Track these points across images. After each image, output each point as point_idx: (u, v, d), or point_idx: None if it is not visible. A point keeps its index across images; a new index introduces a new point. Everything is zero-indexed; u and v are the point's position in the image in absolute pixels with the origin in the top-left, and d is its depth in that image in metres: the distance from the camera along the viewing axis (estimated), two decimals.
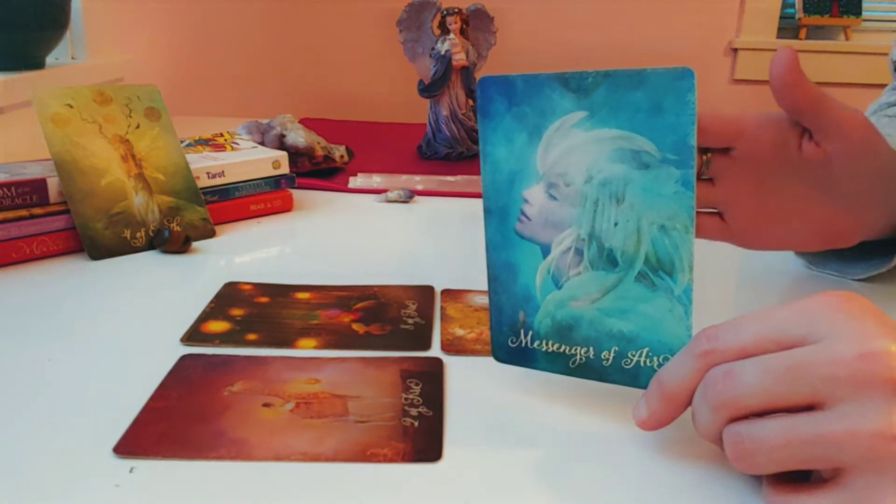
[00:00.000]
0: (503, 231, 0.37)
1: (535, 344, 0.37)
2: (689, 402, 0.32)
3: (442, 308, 0.51)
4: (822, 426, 0.28)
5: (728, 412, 0.31)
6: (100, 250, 0.59)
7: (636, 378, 0.35)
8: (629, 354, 0.35)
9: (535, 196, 0.35)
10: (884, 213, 0.51)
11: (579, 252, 0.35)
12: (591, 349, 0.36)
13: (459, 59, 0.99)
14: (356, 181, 0.86)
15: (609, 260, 0.34)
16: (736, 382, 0.30)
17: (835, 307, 0.30)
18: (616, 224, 0.34)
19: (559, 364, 0.37)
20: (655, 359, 0.34)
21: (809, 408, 0.29)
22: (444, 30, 1.01)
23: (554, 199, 0.35)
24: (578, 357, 0.36)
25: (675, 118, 0.31)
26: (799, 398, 0.29)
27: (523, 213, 0.36)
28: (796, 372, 0.29)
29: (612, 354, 0.35)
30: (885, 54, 0.71)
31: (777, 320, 0.31)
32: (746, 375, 0.30)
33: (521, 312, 0.37)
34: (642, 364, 0.35)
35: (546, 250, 0.36)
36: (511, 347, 0.39)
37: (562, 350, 0.37)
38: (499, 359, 0.40)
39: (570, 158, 0.34)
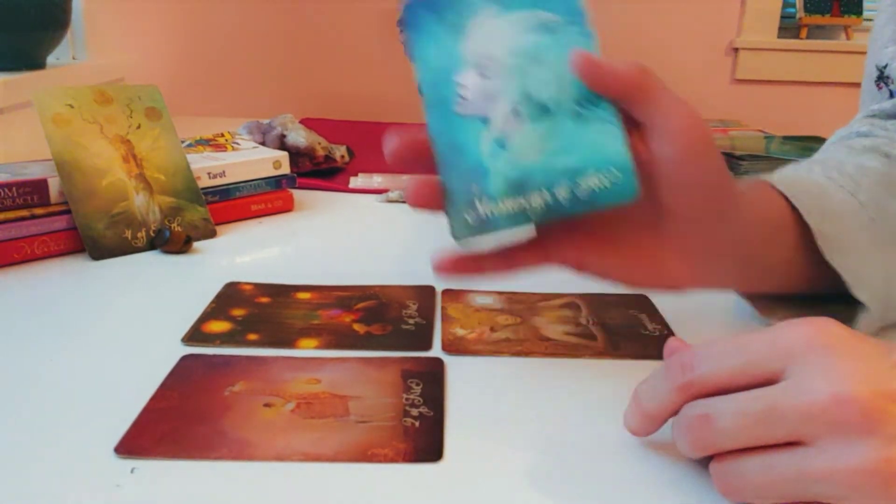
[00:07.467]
0: (446, 116, 0.40)
1: (492, 209, 0.39)
2: (667, 420, 0.33)
3: (443, 308, 0.51)
4: (803, 464, 0.28)
5: (709, 452, 0.31)
6: (101, 250, 0.59)
7: (593, 202, 0.38)
8: (581, 183, 0.38)
9: (468, 79, 0.39)
10: (722, 260, 0.41)
11: (516, 112, 0.39)
12: (545, 192, 0.38)
13: None
14: (357, 181, 0.86)
15: (543, 110, 0.39)
16: (714, 427, 0.30)
17: (809, 340, 0.30)
18: (542, 79, 0.39)
19: (519, 218, 0.39)
20: (603, 177, 0.38)
21: (792, 441, 0.29)
22: None
23: (486, 78, 0.39)
24: (536, 204, 0.38)
25: None
26: (778, 438, 0.29)
27: (461, 97, 0.39)
28: (772, 413, 0.29)
29: (566, 190, 0.38)
30: None
31: (753, 353, 0.31)
32: (723, 420, 0.30)
33: (474, 185, 0.39)
34: (595, 188, 0.38)
35: (488, 121, 0.39)
36: (469, 223, 0.39)
37: (519, 204, 0.39)
38: (459, 238, 0.40)
39: (492, 42, 0.39)
